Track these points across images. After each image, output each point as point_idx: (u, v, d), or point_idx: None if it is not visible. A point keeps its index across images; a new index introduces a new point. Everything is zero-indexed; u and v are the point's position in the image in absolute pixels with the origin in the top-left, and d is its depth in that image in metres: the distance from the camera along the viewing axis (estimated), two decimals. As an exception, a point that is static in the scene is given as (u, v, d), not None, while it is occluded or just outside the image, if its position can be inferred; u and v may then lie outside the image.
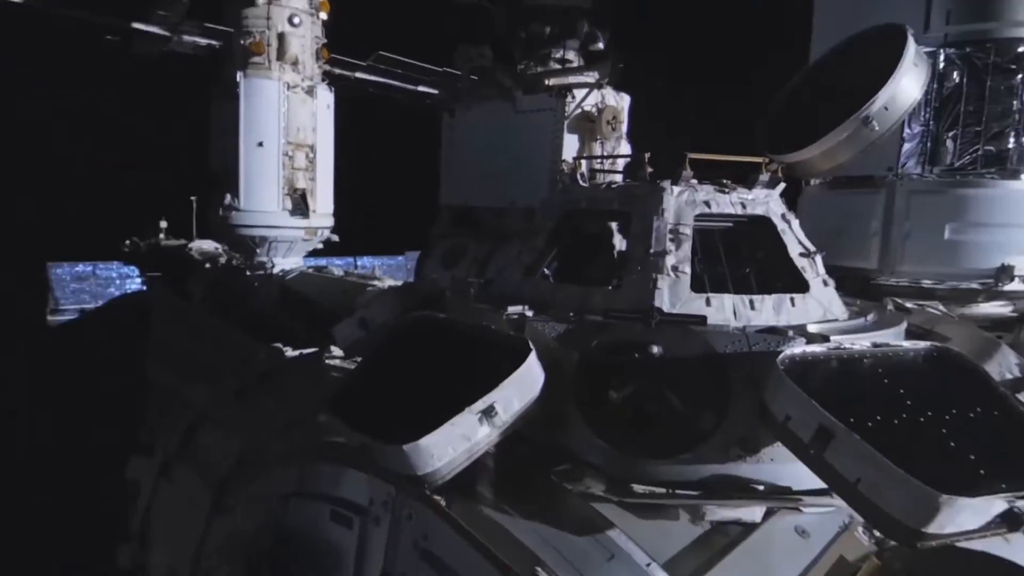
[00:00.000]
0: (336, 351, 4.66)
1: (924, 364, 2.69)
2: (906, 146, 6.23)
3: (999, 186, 6.03)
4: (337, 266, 10.60)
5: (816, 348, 2.66)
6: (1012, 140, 5.99)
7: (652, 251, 3.13)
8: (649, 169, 3.49)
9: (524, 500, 2.74)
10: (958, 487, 2.00)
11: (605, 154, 6.19)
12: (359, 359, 3.87)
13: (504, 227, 6.61)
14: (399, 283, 7.12)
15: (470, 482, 2.73)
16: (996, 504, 2.04)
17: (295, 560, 3.18)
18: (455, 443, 2.52)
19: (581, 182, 3.90)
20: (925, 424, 2.35)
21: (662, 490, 2.75)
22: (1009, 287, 5.96)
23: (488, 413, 2.55)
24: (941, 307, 5.73)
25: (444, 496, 2.66)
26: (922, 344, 2.81)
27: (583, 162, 4.05)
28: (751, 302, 3.04)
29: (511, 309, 3.16)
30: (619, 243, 4.20)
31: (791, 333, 2.81)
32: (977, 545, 2.30)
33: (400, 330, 3.26)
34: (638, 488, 2.75)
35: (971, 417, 2.41)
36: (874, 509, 2.16)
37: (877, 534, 2.79)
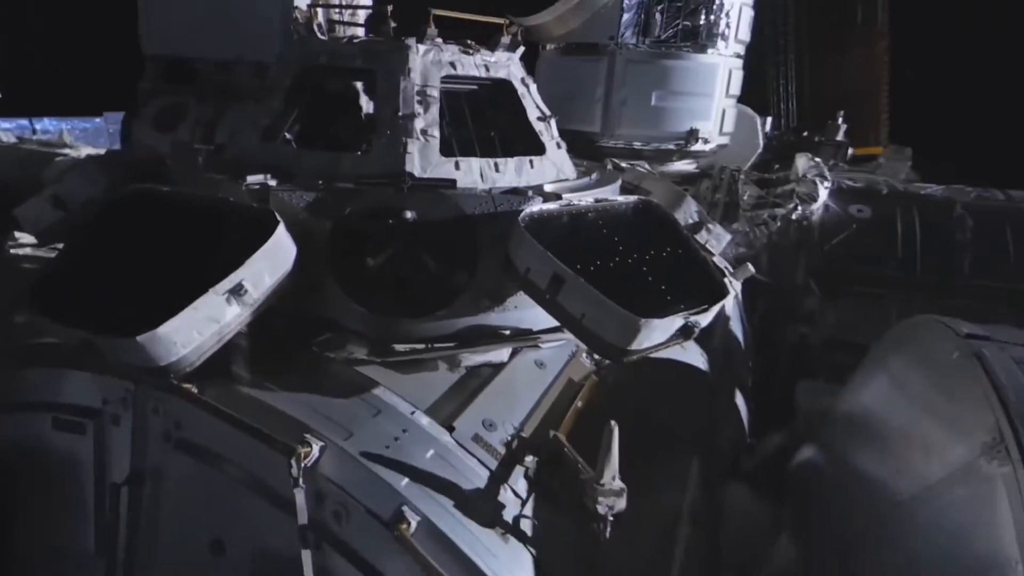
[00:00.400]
0: (24, 237, 3.81)
1: (632, 215, 3.18)
2: (625, 16, 6.82)
3: (692, 59, 7.03)
4: (6, 131, 8.35)
5: (551, 206, 2.95)
6: (703, 17, 6.93)
7: (400, 114, 3.06)
8: (392, 24, 3.30)
9: (285, 374, 2.70)
10: (652, 311, 2.51)
11: (343, 3, 5.64)
12: (59, 245, 3.23)
13: (231, 84, 5.78)
14: (101, 151, 5.92)
15: (224, 364, 2.59)
16: (676, 321, 2.61)
17: (17, 478, 2.77)
18: (201, 327, 2.33)
19: (319, 34, 3.54)
20: (631, 264, 2.83)
21: (421, 346, 2.93)
22: (695, 148, 7.21)
23: (236, 292, 2.39)
24: (647, 165, 6.73)
25: (195, 383, 2.49)
26: (631, 198, 3.30)
27: (319, 11, 3.65)
28: (496, 165, 3.20)
29: (251, 178, 2.88)
30: (366, 104, 4.00)
31: (531, 193, 3.06)
32: (664, 354, 2.94)
33: (111, 207, 2.78)
34: (399, 347, 2.89)
35: (663, 256, 2.97)
36: (594, 337, 2.60)
37: (596, 357, 3.40)
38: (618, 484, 2.39)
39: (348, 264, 2.77)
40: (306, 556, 2.26)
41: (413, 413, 2.65)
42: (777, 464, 3.94)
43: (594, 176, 3.79)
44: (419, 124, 3.06)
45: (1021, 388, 2.19)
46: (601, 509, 2.38)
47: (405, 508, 2.23)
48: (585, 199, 3.10)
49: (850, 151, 9.78)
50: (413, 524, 2.20)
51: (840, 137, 9.82)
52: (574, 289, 2.58)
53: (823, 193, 6.45)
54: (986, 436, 2.06)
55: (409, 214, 2.76)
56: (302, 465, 2.23)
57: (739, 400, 4.46)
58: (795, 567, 2.93)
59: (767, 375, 5.61)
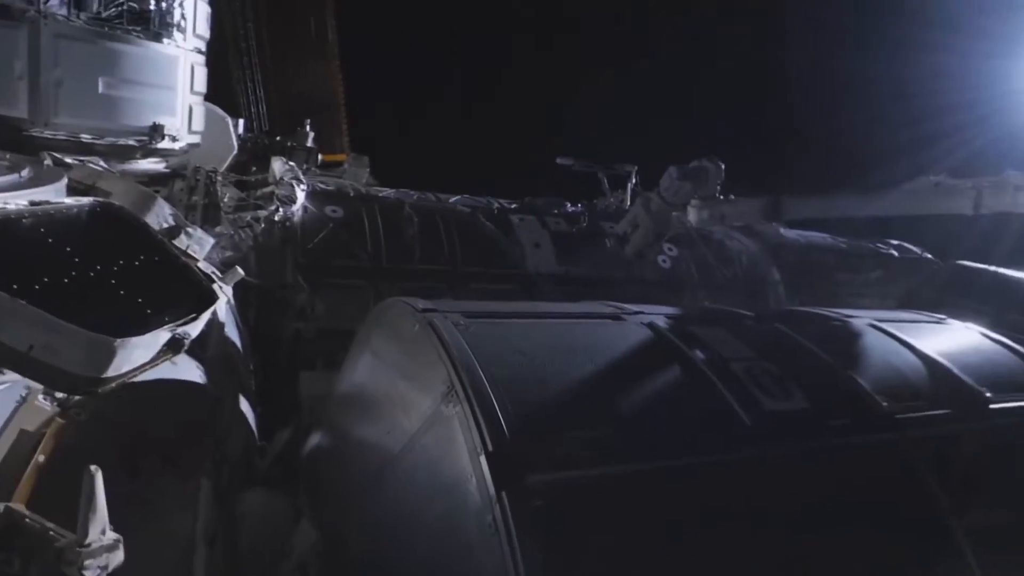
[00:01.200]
0: None
1: (88, 220, 2.71)
2: (48, -19, 5.63)
3: (146, 47, 6.34)
4: None
5: (-40, 211, 2.24)
6: (152, 2, 6.33)
7: None
8: None
9: None
10: (129, 329, 2.21)
11: None
12: None
13: None
14: None
15: None
16: (162, 336, 2.37)
17: None
18: None
19: None
20: (95, 278, 2.42)
21: None
22: (162, 145, 6.57)
23: None
24: (102, 163, 5.80)
25: None
26: (85, 200, 2.80)
27: None
28: None
29: None
30: None
31: (-82, 194, 2.25)
32: (152, 374, 2.62)
33: None
34: None
35: (136, 265, 2.64)
36: (52, 371, 2.13)
37: (60, 395, 2.77)
38: (110, 537, 2.02)
39: None
40: None
41: None
42: (290, 457, 4.06)
43: (25, 173, 3.05)
44: None
45: (461, 345, 2.85)
46: (91, 573, 1.98)
47: None
48: (16, 201, 2.47)
49: (320, 157, 10.67)
50: None
51: (310, 143, 10.58)
52: (13, 315, 2.04)
53: (301, 195, 6.87)
54: (442, 386, 2.60)
55: None
56: None
57: (244, 405, 4.39)
58: (317, 546, 3.10)
59: (269, 374, 5.68)
